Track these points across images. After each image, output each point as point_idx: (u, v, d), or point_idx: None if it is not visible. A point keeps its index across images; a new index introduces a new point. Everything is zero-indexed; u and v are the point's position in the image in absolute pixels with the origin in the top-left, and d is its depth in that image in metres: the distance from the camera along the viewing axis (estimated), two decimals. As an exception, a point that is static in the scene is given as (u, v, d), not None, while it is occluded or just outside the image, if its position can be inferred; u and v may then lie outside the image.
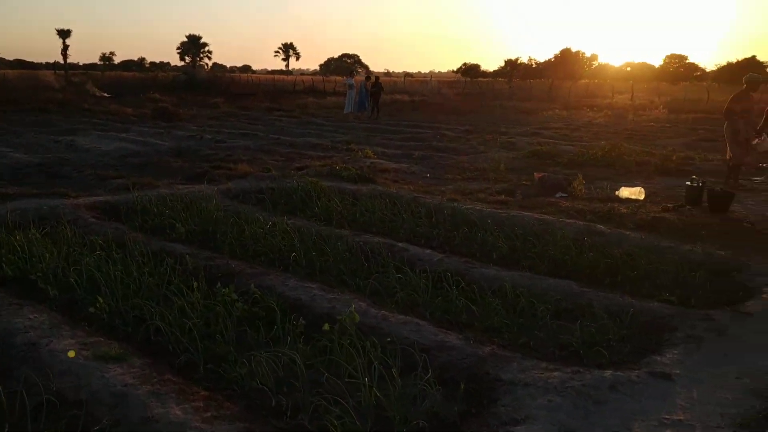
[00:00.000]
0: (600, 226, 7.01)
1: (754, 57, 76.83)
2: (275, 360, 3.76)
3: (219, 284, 4.93)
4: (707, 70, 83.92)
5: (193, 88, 38.14)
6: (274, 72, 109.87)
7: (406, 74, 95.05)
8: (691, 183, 8.69)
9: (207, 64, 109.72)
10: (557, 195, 9.25)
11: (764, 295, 5.10)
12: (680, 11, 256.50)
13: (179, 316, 4.40)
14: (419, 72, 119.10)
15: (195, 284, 4.87)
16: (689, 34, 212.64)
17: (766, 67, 74.27)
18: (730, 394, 3.60)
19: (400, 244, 6.36)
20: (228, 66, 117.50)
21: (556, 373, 3.72)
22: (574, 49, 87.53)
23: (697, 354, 4.09)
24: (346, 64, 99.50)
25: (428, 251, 6.22)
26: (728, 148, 10.22)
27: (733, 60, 78.35)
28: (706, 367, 3.92)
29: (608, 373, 3.75)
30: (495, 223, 7.07)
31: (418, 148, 14.86)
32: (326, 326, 4.09)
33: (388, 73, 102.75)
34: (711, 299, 5.07)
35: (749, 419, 3.30)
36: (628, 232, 6.84)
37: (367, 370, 3.58)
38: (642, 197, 9.07)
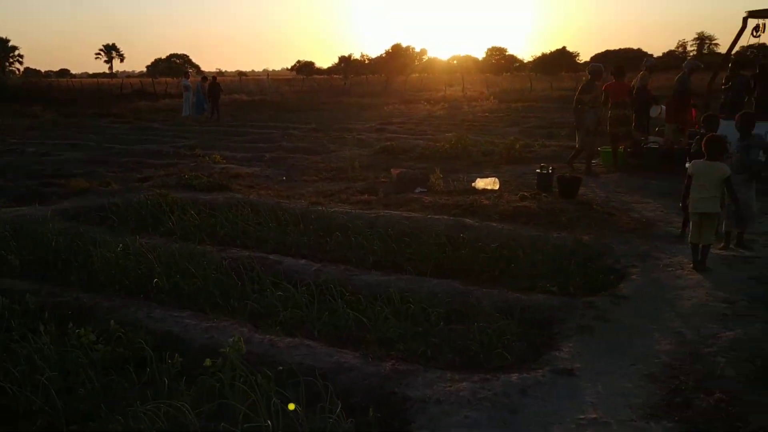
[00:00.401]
0: (468, 220, 7.04)
1: (564, 48, 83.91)
2: (155, 411, 3.25)
3: (71, 324, 4.27)
4: (525, 61, 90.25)
5: (4, 96, 34.27)
6: (96, 75, 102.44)
7: (240, 73, 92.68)
8: (542, 170, 9.05)
9: (18, 70, 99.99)
10: (417, 190, 9.25)
11: (633, 276, 5.35)
12: (495, 4, 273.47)
13: (28, 370, 3.73)
14: (253, 70, 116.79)
15: (42, 327, 4.18)
16: (505, 27, 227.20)
17: (575, 56, 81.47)
18: (630, 382, 3.65)
19: (271, 257, 5.95)
20: (43, 71, 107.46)
21: (464, 384, 3.57)
22: (404, 44, 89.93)
23: (590, 344, 4.14)
24: (175, 65, 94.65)
25: (303, 261, 5.88)
26: (578, 137, 10.76)
27: (547, 51, 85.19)
28: (601, 357, 3.97)
29: (515, 376, 3.66)
30: (365, 224, 6.86)
31: (268, 150, 14.32)
32: (208, 361, 3.64)
33: (221, 73, 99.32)
34: (588, 285, 5.21)
35: (656, 407, 3.35)
36: (495, 224, 6.93)
37: (267, 409, 3.20)
38: (497, 187, 9.31)
